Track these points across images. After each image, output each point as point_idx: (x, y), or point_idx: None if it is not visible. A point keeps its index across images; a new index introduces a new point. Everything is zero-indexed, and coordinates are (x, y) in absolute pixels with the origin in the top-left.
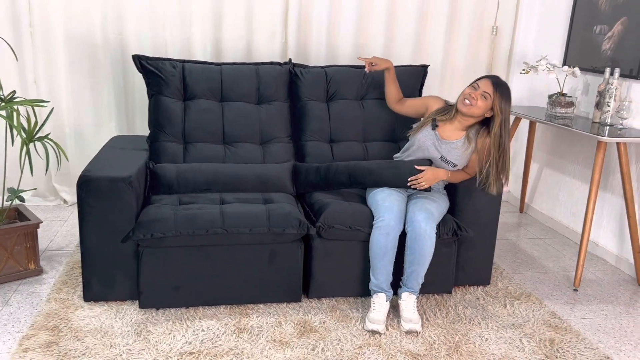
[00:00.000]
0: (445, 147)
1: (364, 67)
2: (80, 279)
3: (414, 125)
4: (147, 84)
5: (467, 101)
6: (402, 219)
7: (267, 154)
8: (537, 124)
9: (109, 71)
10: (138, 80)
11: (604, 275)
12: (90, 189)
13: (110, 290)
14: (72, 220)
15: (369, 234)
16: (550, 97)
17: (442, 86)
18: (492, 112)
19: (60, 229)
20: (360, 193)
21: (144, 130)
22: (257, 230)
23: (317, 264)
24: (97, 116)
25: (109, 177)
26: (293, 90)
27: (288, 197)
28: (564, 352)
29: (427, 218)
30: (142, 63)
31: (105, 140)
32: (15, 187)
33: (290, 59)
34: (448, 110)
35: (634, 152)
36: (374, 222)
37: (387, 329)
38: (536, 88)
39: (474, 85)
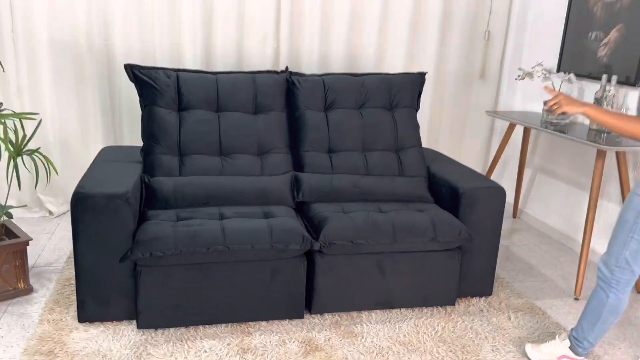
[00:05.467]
0: None
1: (362, 75)
2: (73, 298)
3: None
4: (140, 94)
5: None
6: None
7: (265, 165)
8: (532, 129)
9: (95, 79)
10: (125, 88)
11: None
12: (86, 207)
13: (106, 310)
14: (59, 233)
15: (372, 246)
16: (545, 103)
17: (435, 92)
18: None
19: (47, 242)
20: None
21: (132, 140)
22: (260, 246)
23: (320, 279)
24: (83, 125)
25: (105, 193)
26: (290, 100)
27: (288, 210)
28: None
29: (603, 273)
30: (134, 72)
31: (92, 150)
32: (3, 203)
33: (287, 67)
34: None
35: (631, 159)
36: None
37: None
38: (529, 93)
39: None
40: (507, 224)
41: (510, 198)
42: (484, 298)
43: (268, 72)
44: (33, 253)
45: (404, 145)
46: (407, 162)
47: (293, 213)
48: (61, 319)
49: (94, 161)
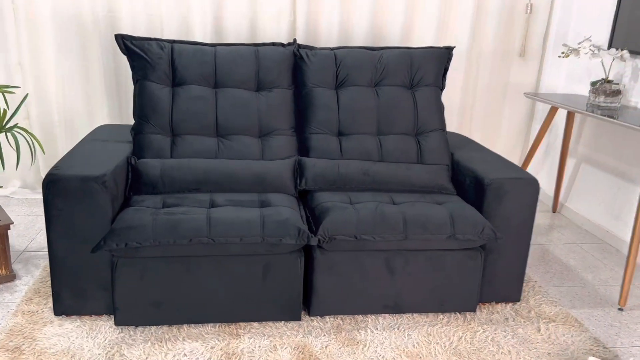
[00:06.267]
0: None
1: (380, 48)
2: None
3: None
4: (132, 68)
5: None
6: None
7: (266, 148)
8: (576, 114)
9: (99, 52)
10: None
11: None
12: (58, 190)
13: (83, 303)
14: None
15: (379, 242)
16: (593, 84)
17: (469, 70)
18: None
19: (44, 225)
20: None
21: None
22: (249, 239)
23: (319, 277)
24: (88, 102)
25: (80, 176)
26: (297, 76)
27: (289, 198)
28: None
29: None
30: (126, 44)
31: None
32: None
33: (295, 40)
34: None
35: None
36: None
37: None
38: (575, 73)
39: None
40: (545, 219)
41: (550, 191)
42: (510, 304)
43: (273, 44)
44: (27, 236)
45: (425, 129)
46: (427, 148)
47: (294, 202)
48: (37, 311)
49: (81, 140)
